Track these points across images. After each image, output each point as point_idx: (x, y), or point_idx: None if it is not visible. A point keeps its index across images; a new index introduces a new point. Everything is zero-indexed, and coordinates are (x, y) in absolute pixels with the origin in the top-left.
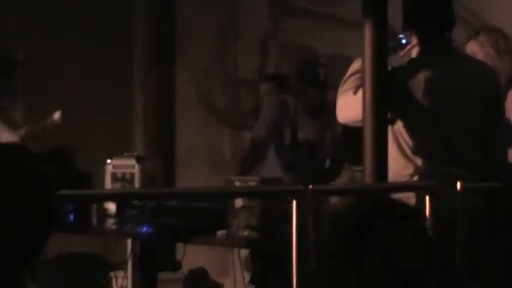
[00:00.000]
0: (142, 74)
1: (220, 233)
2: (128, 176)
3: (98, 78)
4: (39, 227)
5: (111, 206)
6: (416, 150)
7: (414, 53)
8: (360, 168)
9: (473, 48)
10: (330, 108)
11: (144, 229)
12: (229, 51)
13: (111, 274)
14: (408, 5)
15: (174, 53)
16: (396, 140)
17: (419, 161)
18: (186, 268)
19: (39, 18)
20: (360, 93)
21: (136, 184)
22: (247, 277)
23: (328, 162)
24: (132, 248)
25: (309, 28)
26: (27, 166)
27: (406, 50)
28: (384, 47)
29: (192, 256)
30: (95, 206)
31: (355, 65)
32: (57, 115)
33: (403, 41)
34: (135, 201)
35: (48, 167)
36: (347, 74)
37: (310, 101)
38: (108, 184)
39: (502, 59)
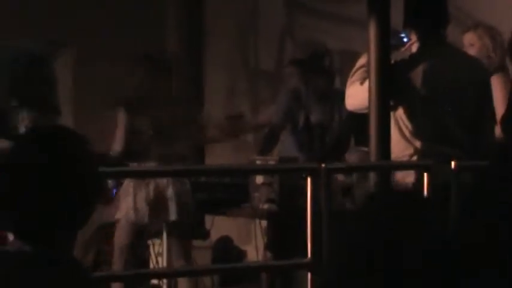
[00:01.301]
0: (175, 72)
1: (244, 205)
2: None
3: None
4: (88, 198)
5: None
6: (415, 133)
7: (414, 48)
8: (364, 148)
9: (471, 38)
10: (337, 94)
11: None
12: (251, 46)
13: (149, 242)
14: (409, 7)
15: (203, 47)
16: (397, 124)
17: (417, 143)
18: (214, 236)
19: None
20: (366, 83)
21: None
22: None
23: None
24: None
25: (320, 25)
26: (80, 148)
27: (407, 46)
28: (386, 44)
29: (219, 226)
30: None
31: (362, 60)
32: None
33: (404, 39)
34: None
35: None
36: (355, 68)
37: (318, 88)
38: None
39: (496, 52)
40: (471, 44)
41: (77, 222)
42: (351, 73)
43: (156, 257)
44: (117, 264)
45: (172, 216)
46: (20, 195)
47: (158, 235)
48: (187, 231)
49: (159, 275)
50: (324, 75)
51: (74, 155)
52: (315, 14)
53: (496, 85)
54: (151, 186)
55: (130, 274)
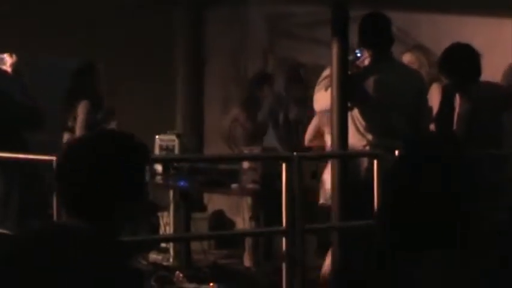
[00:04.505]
0: (182, 82)
1: (234, 185)
2: (170, 147)
3: (152, 84)
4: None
5: (159, 167)
6: (367, 129)
7: (366, 62)
8: None
9: (409, 59)
10: (309, 98)
11: (182, 183)
12: (241, 62)
13: (159, 214)
14: (362, 30)
15: (203, 64)
16: (353, 121)
17: (369, 136)
18: (210, 210)
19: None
20: (329, 90)
21: (176, 152)
22: None
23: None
24: (173, 196)
25: (295, 45)
26: (132, 144)
27: (360, 60)
28: (345, 59)
29: (214, 201)
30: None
31: (326, 72)
32: None
33: (358, 55)
34: (175, 164)
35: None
36: (320, 78)
37: (295, 94)
38: (156, 152)
39: (431, 66)
40: (410, 63)
41: (133, 208)
42: (318, 82)
43: (165, 226)
44: None
45: None
46: (86, 182)
47: (166, 209)
48: None
49: (167, 239)
50: (299, 84)
51: (129, 148)
52: (291, 36)
53: (434, 93)
54: None
55: (145, 239)
